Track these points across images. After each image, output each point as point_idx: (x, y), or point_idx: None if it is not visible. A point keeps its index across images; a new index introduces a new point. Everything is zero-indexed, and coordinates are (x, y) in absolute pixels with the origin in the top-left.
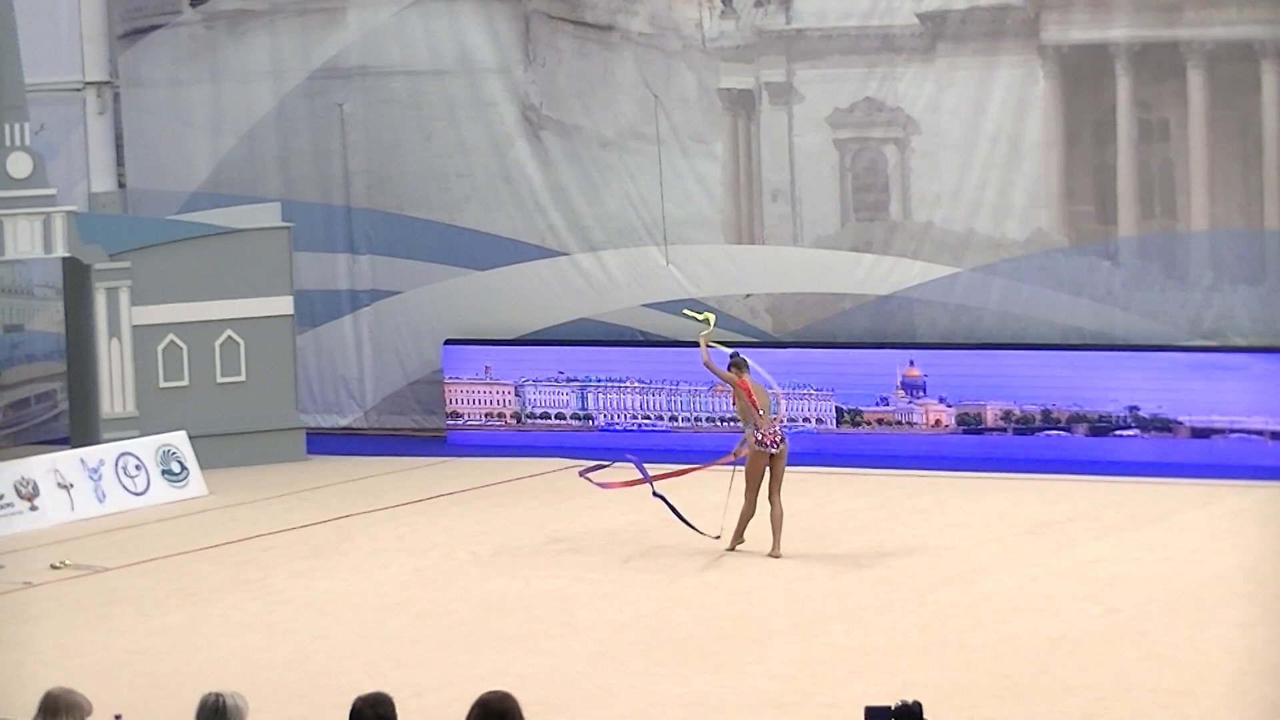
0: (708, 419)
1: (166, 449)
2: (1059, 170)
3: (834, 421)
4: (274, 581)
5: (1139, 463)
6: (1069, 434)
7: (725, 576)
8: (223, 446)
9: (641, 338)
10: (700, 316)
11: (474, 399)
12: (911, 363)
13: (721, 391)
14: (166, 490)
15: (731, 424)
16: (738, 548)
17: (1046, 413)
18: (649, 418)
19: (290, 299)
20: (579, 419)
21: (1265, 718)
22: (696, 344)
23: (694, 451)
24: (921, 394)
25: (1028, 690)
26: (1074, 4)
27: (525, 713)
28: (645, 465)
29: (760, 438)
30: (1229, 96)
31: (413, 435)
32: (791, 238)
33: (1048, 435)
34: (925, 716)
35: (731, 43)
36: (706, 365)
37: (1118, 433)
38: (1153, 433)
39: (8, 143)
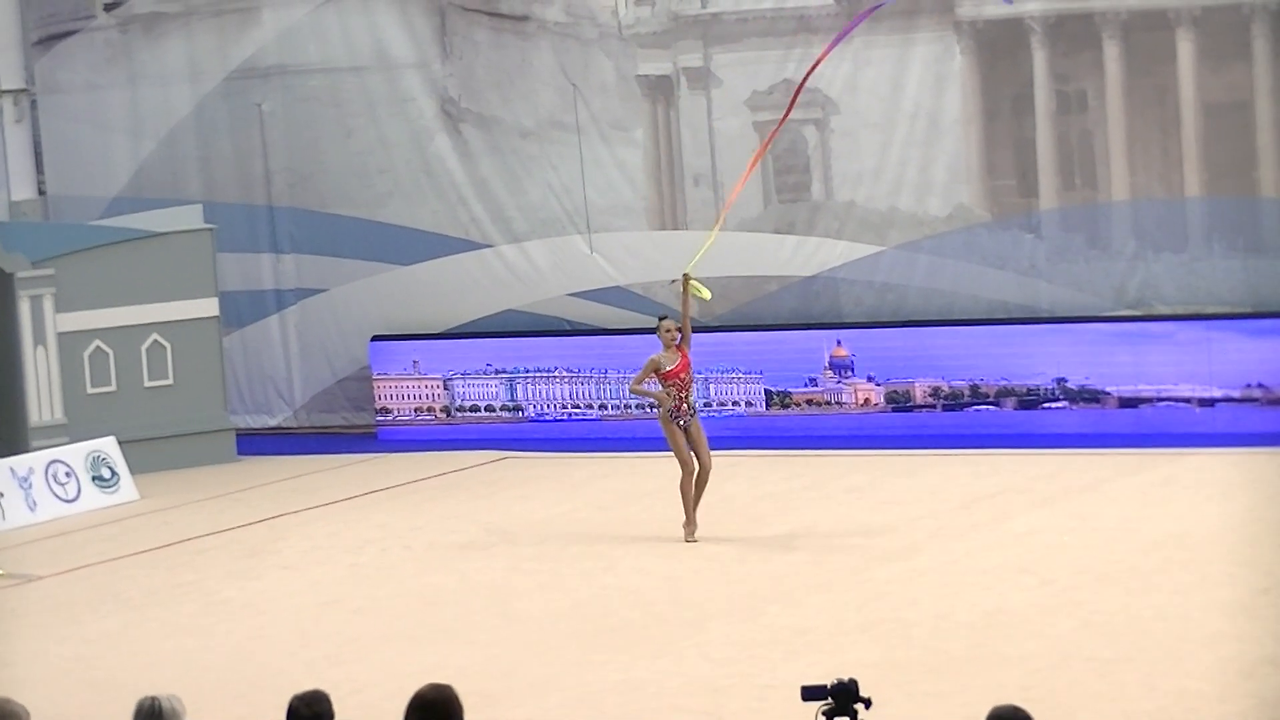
0: (637, 406)
1: (96, 455)
2: (979, 145)
3: (763, 404)
4: (209, 583)
5: (1068, 434)
6: (998, 408)
7: (660, 562)
8: (153, 451)
9: (568, 327)
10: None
11: (403, 394)
12: (839, 342)
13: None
14: (98, 496)
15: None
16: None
17: (975, 388)
18: (579, 407)
19: (215, 300)
20: (509, 410)
21: (1202, 684)
22: (611, 331)
23: (624, 439)
24: (850, 373)
25: (965, 664)
26: None
27: (465, 705)
28: None
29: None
30: (1145, 66)
31: (343, 432)
32: (714, 222)
33: (977, 410)
34: (862, 694)
35: (648, 29)
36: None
37: (1046, 405)
38: (1081, 404)
39: None
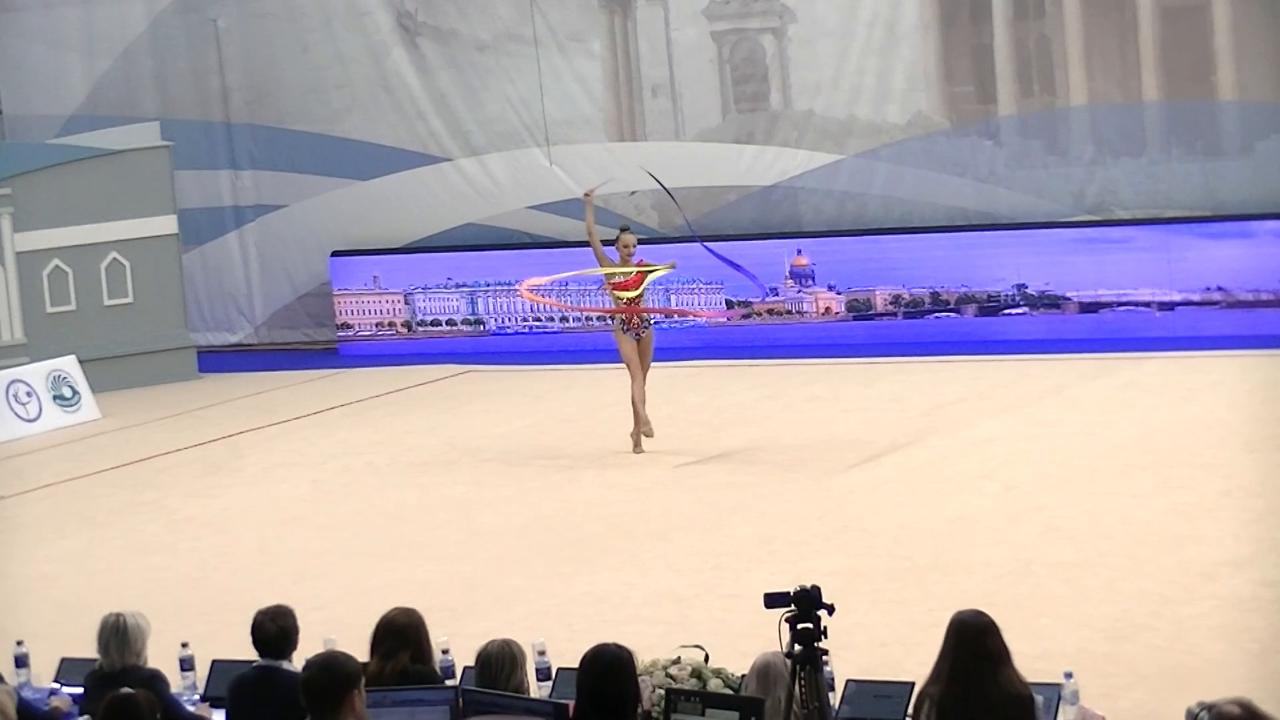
0: (599, 319)
1: (57, 374)
2: (937, 52)
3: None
4: (172, 501)
5: (1029, 340)
6: (958, 315)
7: (624, 474)
8: (114, 369)
9: (528, 240)
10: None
11: (364, 309)
12: (799, 252)
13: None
14: (59, 415)
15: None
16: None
17: (935, 295)
18: (539, 319)
19: (174, 218)
20: (470, 324)
21: (1164, 586)
22: (571, 243)
23: (586, 351)
24: (810, 282)
25: (928, 571)
26: None
27: (430, 619)
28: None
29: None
30: None
31: (304, 349)
32: (673, 132)
33: (937, 317)
34: (825, 600)
35: None
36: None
37: (1006, 311)
38: (1041, 309)
39: None
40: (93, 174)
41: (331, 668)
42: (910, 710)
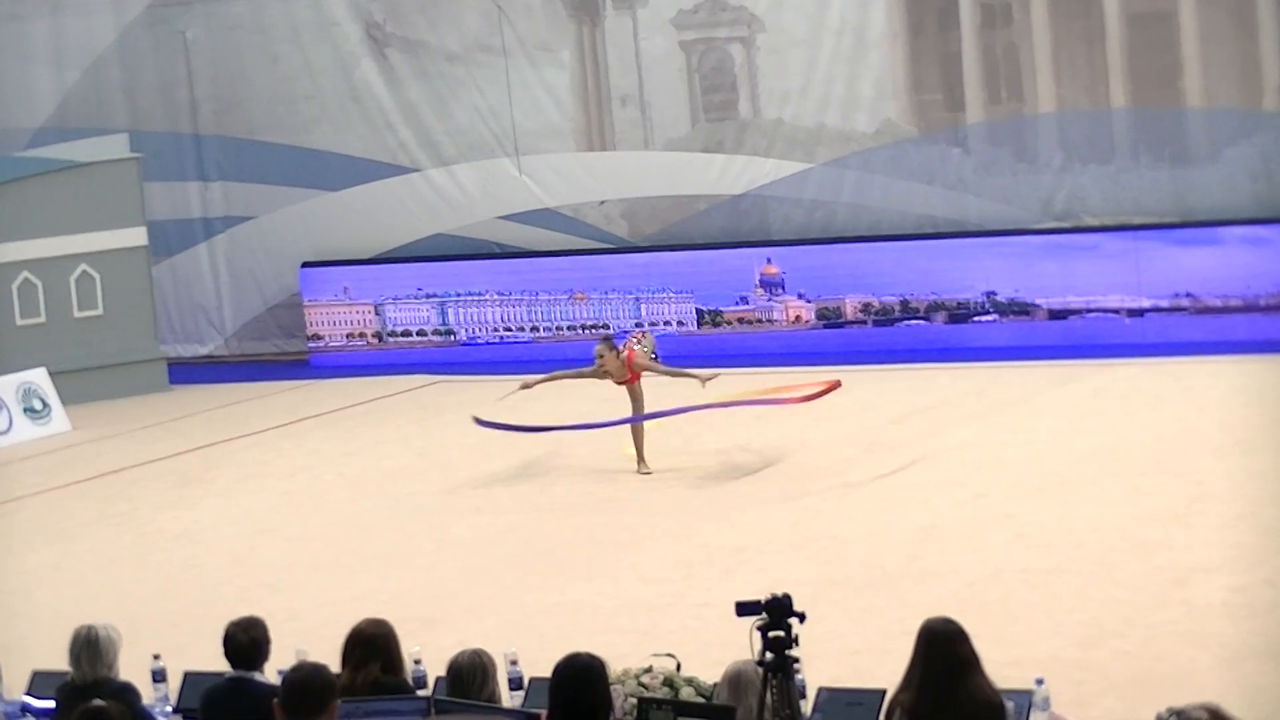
0: (569, 328)
1: (27, 387)
2: (905, 60)
3: (694, 323)
4: (143, 513)
5: (998, 347)
6: (928, 322)
7: (595, 484)
8: (84, 381)
9: (498, 250)
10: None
11: (334, 320)
12: (769, 260)
13: (581, 298)
14: (29, 428)
15: (593, 330)
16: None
17: (905, 303)
18: (510, 329)
19: (144, 230)
20: (440, 335)
21: (1134, 593)
22: (541, 253)
23: (557, 361)
24: (780, 291)
25: (899, 579)
26: None
27: (402, 630)
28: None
29: None
30: None
31: (274, 360)
32: (643, 142)
33: (907, 325)
34: (796, 608)
35: None
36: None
37: (976, 319)
38: (1011, 317)
39: None
40: (62, 186)
41: (317, 674)
42: (882, 717)
